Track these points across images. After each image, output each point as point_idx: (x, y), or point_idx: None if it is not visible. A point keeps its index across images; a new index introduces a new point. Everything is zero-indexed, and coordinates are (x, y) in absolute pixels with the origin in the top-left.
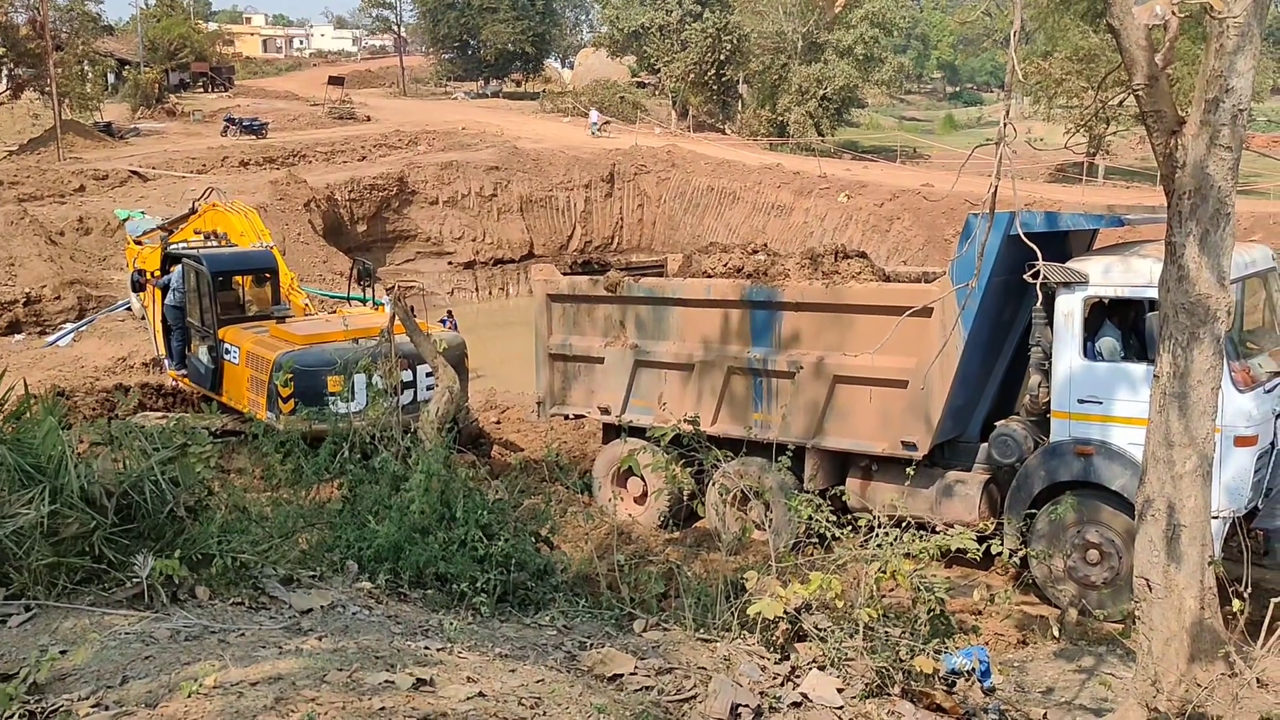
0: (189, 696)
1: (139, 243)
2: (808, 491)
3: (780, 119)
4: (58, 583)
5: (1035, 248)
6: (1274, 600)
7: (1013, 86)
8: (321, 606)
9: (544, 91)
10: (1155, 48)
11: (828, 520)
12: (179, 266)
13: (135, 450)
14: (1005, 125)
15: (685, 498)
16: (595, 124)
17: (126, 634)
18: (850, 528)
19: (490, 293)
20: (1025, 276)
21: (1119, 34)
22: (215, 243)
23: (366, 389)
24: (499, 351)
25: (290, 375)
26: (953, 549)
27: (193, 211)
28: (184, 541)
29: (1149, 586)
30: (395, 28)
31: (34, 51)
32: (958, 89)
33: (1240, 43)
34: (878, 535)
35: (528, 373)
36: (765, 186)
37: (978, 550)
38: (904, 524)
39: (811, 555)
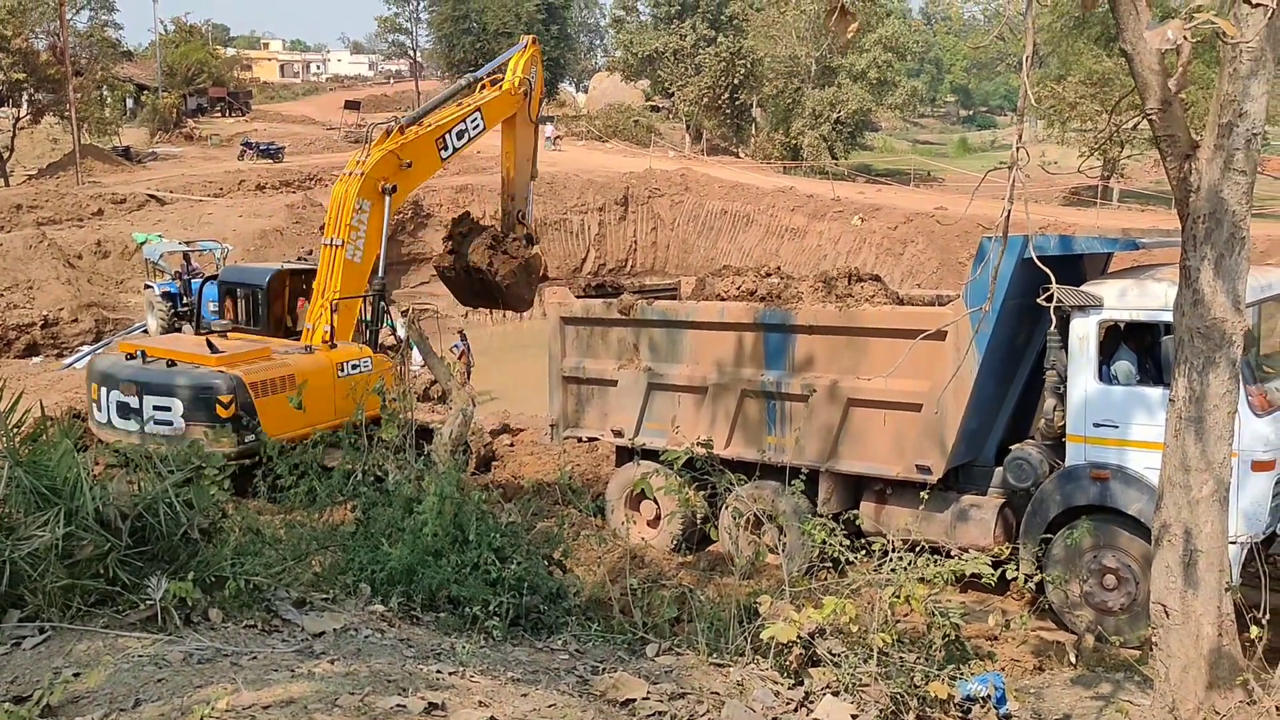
0: None
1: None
2: (821, 515)
3: (794, 143)
4: (72, 605)
5: (1049, 271)
6: None
7: (1025, 110)
8: (334, 630)
9: (557, 116)
10: (1169, 72)
11: (841, 544)
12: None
13: (150, 472)
14: (1018, 149)
15: (698, 521)
16: (550, 138)
17: (140, 656)
18: (864, 552)
19: (504, 315)
20: (1039, 300)
21: (1132, 59)
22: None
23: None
24: (512, 374)
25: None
26: (967, 574)
27: None
28: (197, 564)
29: (1166, 612)
30: (411, 52)
31: (54, 77)
32: (971, 112)
33: (1254, 67)
34: (892, 559)
35: (541, 395)
36: (779, 210)
37: (993, 575)
38: (918, 548)
39: (825, 579)
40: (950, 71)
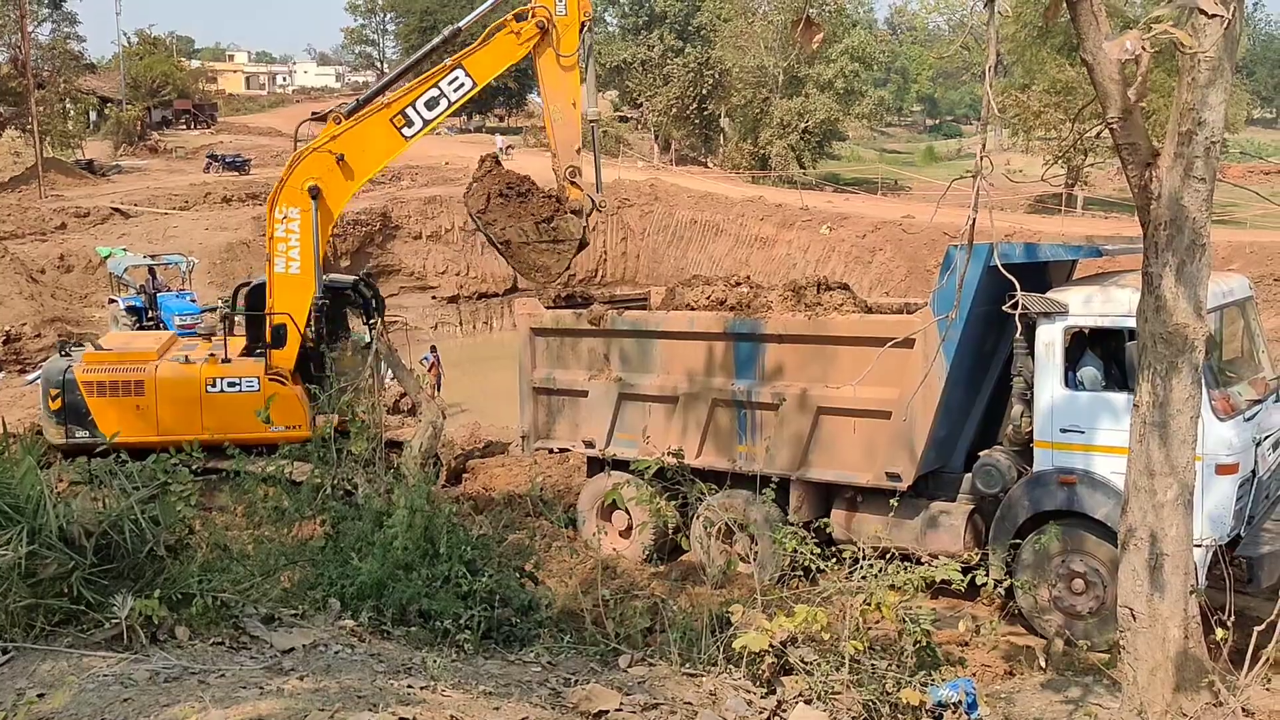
0: None
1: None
2: (792, 524)
3: (762, 152)
4: (35, 624)
5: (1014, 279)
6: (1257, 628)
7: (989, 119)
8: (303, 645)
9: (525, 126)
10: (1128, 81)
11: (813, 552)
12: None
13: (116, 489)
14: (982, 157)
15: (670, 531)
16: (501, 148)
17: (105, 676)
18: (835, 560)
19: (474, 327)
20: (1005, 307)
21: (1092, 68)
22: None
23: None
24: (482, 386)
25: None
26: (938, 580)
27: None
28: (164, 581)
29: (1133, 616)
30: (378, 63)
31: (16, 90)
32: (937, 121)
33: (1211, 76)
34: (863, 567)
35: (511, 407)
36: (748, 219)
37: (962, 581)
38: (889, 555)
39: (797, 588)
40: (916, 81)
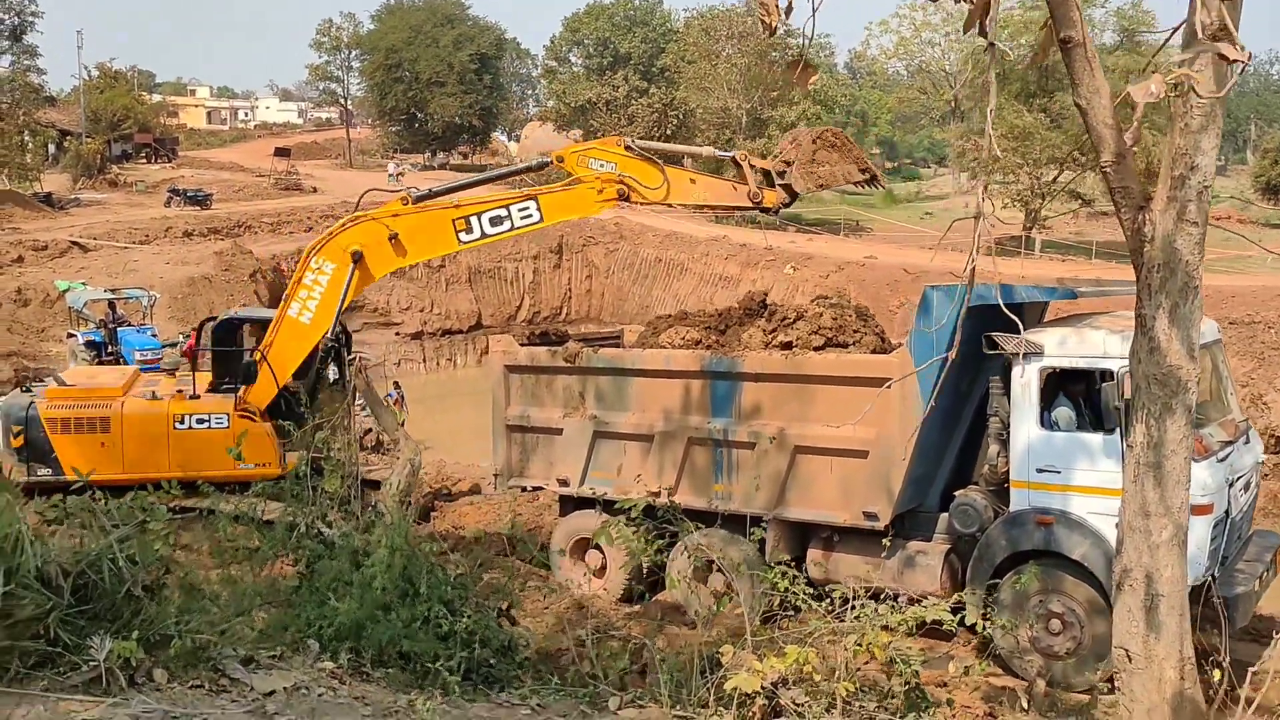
0: None
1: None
2: (769, 563)
3: None
4: (9, 667)
5: (1016, 318)
6: (1250, 669)
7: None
8: (285, 688)
9: (489, 164)
10: (1122, 127)
11: (804, 592)
12: None
13: (94, 527)
14: (983, 199)
15: (646, 570)
16: (393, 174)
17: None
18: (825, 599)
19: (438, 363)
20: (984, 348)
21: (1086, 113)
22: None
23: None
24: (447, 423)
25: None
26: (928, 620)
27: None
28: (141, 622)
29: (1129, 657)
30: (342, 100)
31: None
32: (896, 164)
33: (1204, 122)
34: (855, 606)
35: (477, 444)
36: (712, 258)
37: (953, 622)
38: (879, 595)
39: (785, 628)
40: (875, 124)
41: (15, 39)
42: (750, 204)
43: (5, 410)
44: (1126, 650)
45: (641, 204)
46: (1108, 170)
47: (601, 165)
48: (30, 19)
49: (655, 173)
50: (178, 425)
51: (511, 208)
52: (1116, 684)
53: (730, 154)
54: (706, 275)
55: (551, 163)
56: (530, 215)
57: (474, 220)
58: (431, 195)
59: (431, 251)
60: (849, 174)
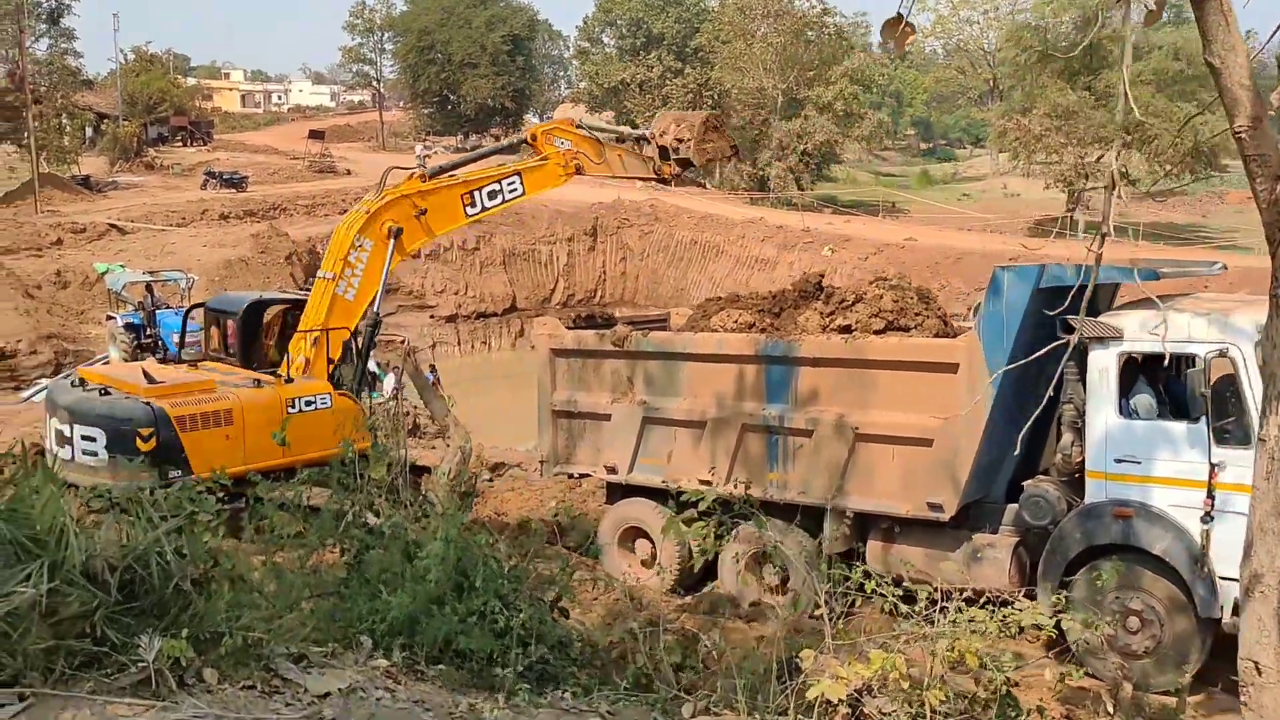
0: None
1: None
2: (826, 555)
3: (761, 174)
4: (55, 668)
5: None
6: None
7: (1126, 123)
8: (339, 689)
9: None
10: (1259, 88)
11: (894, 593)
12: None
13: (142, 519)
14: (1116, 168)
15: (698, 560)
16: (420, 156)
17: None
18: (911, 599)
19: (472, 346)
20: (1060, 332)
21: (1219, 73)
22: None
23: None
24: (483, 406)
25: None
26: (1024, 625)
27: None
28: (191, 619)
29: (1258, 669)
30: (374, 83)
31: (12, 104)
32: (931, 145)
33: None
34: (948, 609)
35: (514, 427)
36: (749, 240)
37: (1050, 625)
38: (981, 597)
39: (865, 631)
40: (911, 104)
41: (53, 22)
42: (654, 176)
43: (127, 416)
44: (1256, 662)
45: (586, 175)
46: (1242, 136)
47: (562, 144)
48: (67, 3)
49: (599, 149)
50: (290, 410)
51: (502, 182)
52: (1243, 698)
53: (638, 133)
54: (742, 258)
55: (526, 141)
56: (515, 189)
57: (476, 195)
58: (442, 171)
59: (448, 225)
60: (724, 151)
